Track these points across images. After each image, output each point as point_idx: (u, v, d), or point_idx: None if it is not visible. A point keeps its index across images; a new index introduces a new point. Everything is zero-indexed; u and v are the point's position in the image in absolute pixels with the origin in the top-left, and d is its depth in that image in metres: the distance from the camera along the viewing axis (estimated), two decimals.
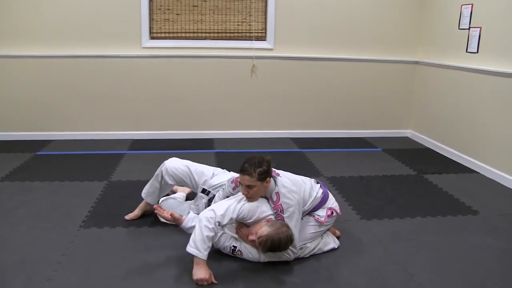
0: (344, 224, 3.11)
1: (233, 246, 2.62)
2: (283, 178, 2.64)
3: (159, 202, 3.16)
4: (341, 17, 5.30)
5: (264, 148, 4.99)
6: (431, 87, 5.28)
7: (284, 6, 5.19)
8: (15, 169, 4.12)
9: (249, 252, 2.59)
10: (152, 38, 5.15)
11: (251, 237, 2.46)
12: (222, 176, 2.98)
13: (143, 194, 3.10)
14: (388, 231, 3.08)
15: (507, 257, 2.76)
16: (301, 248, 2.65)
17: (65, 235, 2.87)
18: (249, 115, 5.47)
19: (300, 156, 4.82)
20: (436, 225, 3.18)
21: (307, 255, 2.69)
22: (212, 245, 2.54)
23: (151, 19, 5.10)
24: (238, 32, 5.27)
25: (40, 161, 4.39)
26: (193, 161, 3.09)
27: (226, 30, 5.25)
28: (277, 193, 2.56)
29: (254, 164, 2.48)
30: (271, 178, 2.60)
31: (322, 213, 2.75)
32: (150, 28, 5.12)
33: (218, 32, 5.25)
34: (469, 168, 4.50)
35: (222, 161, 4.41)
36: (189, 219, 2.60)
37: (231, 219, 2.49)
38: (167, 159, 3.06)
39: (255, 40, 5.28)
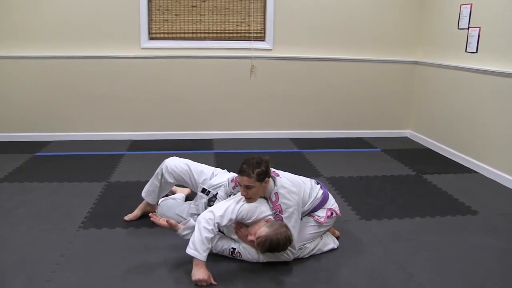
0: (343, 225, 3.10)
1: (232, 248, 2.62)
2: (283, 178, 2.64)
3: (159, 202, 3.16)
4: (341, 17, 5.30)
5: (264, 149, 4.99)
6: (431, 87, 5.28)
7: (283, 6, 5.19)
8: (14, 170, 4.11)
9: (248, 253, 2.59)
10: (151, 38, 5.15)
11: (250, 237, 2.46)
12: (222, 176, 2.98)
13: (143, 194, 3.09)
14: (388, 231, 3.07)
15: (507, 257, 2.76)
16: (300, 249, 2.65)
17: (64, 235, 2.87)
18: (248, 115, 5.47)
19: (299, 156, 4.81)
20: (435, 225, 3.18)
21: (307, 256, 2.68)
22: (211, 250, 2.54)
23: (150, 20, 5.10)
24: (237, 33, 5.27)
25: (39, 162, 4.39)
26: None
27: (225, 30, 5.25)
28: (276, 194, 2.56)
29: (253, 165, 2.48)
30: (270, 179, 2.60)
31: (321, 213, 2.74)
32: (149, 28, 5.12)
33: (217, 33, 5.25)
34: (468, 168, 4.50)
35: (222, 162, 4.41)
36: (186, 227, 2.59)
37: (230, 219, 2.49)
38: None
39: (254, 40, 5.28)
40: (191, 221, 2.57)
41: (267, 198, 2.64)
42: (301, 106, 5.52)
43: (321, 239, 2.77)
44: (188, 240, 2.50)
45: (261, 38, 5.31)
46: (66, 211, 3.24)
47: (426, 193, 3.82)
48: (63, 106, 5.14)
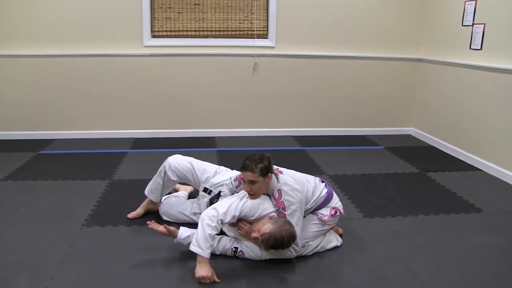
0: (346, 222, 3.10)
1: (234, 247, 2.62)
2: (286, 176, 2.64)
3: (162, 200, 3.16)
4: (343, 14, 5.28)
5: (266, 147, 4.98)
6: (434, 85, 5.26)
7: (285, 4, 5.17)
8: (17, 169, 4.13)
9: (251, 251, 2.59)
10: (153, 36, 5.15)
11: (254, 234, 2.46)
12: (224, 175, 2.98)
13: (146, 191, 3.10)
14: (391, 229, 3.07)
15: (510, 255, 2.75)
16: (303, 246, 2.65)
17: (68, 234, 2.88)
18: (250, 113, 5.47)
19: (302, 154, 4.81)
20: (439, 223, 3.17)
21: (310, 253, 2.68)
22: (214, 252, 2.56)
23: (152, 18, 5.10)
24: (240, 30, 5.26)
25: (42, 161, 4.40)
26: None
27: (227, 28, 5.24)
28: (279, 190, 2.56)
29: (255, 160, 2.50)
30: (273, 175, 2.60)
31: (325, 212, 2.74)
32: (152, 26, 5.11)
33: (219, 31, 5.24)
34: (472, 166, 4.48)
35: (224, 160, 4.41)
36: (184, 231, 2.60)
37: (234, 216, 2.49)
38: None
39: (256, 38, 5.26)
40: (182, 228, 2.59)
41: (270, 196, 2.64)
42: (304, 104, 5.51)
43: (325, 237, 2.77)
44: (189, 243, 2.52)
45: (264, 36, 5.30)
46: (69, 209, 3.25)
47: (430, 191, 3.81)
48: (66, 104, 5.15)
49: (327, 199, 2.78)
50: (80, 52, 5.00)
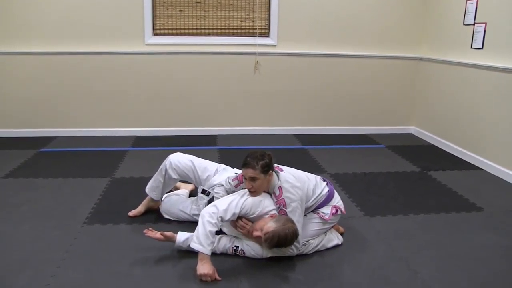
0: (347, 221, 3.10)
1: (235, 246, 2.63)
2: (286, 173, 2.65)
3: (163, 198, 3.17)
4: (345, 13, 5.27)
5: (267, 145, 4.98)
6: (435, 84, 5.25)
7: (287, 2, 5.17)
8: (18, 166, 4.13)
9: (252, 249, 2.59)
10: (155, 34, 5.14)
11: (256, 233, 2.45)
12: (225, 174, 2.98)
13: (147, 189, 3.10)
14: (391, 228, 3.07)
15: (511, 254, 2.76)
16: (304, 245, 2.65)
17: (69, 232, 2.88)
18: (252, 111, 5.47)
19: (303, 152, 4.81)
20: (440, 222, 3.17)
21: (311, 252, 2.68)
22: (215, 251, 2.56)
23: (154, 16, 5.09)
24: (241, 29, 5.26)
25: (43, 158, 4.40)
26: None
27: (229, 26, 5.23)
28: (280, 188, 2.57)
29: (257, 158, 2.51)
30: (274, 173, 2.61)
31: (326, 210, 2.75)
32: (153, 24, 5.11)
33: (221, 29, 5.24)
34: (473, 165, 4.48)
35: (225, 158, 4.41)
36: (182, 235, 2.60)
37: (234, 214, 2.50)
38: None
39: (258, 36, 5.26)
40: (179, 233, 2.60)
41: (270, 194, 2.64)
42: (305, 102, 5.50)
43: (325, 235, 2.77)
44: (189, 246, 2.53)
45: (265, 34, 5.29)
46: (70, 207, 3.26)
47: (431, 190, 3.80)
48: (67, 102, 5.15)
49: (328, 197, 2.78)
50: (81, 50, 5.00)
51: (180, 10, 5.13)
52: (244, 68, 5.30)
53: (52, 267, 2.46)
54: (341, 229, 2.95)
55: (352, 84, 5.51)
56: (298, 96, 5.46)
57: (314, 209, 2.76)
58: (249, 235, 2.56)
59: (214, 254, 2.58)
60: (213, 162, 3.10)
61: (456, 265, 2.61)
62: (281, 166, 2.73)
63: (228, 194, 2.78)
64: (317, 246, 2.70)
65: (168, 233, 2.58)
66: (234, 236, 2.67)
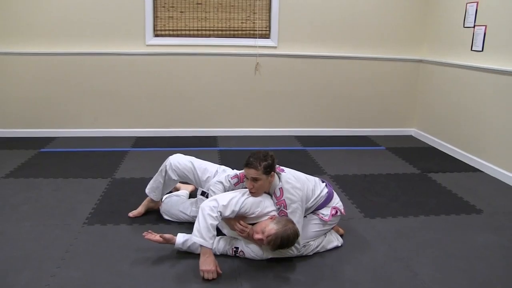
0: (347, 222, 3.10)
1: (235, 247, 2.63)
2: (287, 174, 2.65)
3: (163, 199, 3.17)
4: (345, 15, 5.28)
5: (268, 146, 4.99)
6: (435, 86, 5.26)
7: (288, 4, 5.18)
8: (19, 166, 4.14)
9: (252, 251, 2.59)
10: (156, 35, 5.15)
11: (257, 236, 2.45)
12: (224, 175, 2.97)
13: (147, 190, 3.10)
14: (392, 229, 3.07)
15: (511, 256, 2.75)
16: (304, 246, 2.65)
17: (69, 231, 2.89)
18: (252, 112, 5.47)
19: (303, 154, 4.81)
20: (440, 224, 3.17)
21: (311, 253, 2.69)
22: (215, 252, 2.58)
23: (155, 17, 5.10)
24: (242, 30, 5.27)
25: (44, 158, 4.41)
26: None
27: (230, 28, 5.24)
28: (281, 189, 2.57)
29: (259, 158, 2.51)
30: (275, 174, 2.61)
31: (326, 212, 2.75)
32: (154, 25, 5.12)
33: (222, 30, 5.24)
34: (473, 166, 4.49)
35: (226, 159, 4.42)
36: (181, 237, 2.61)
37: (233, 211, 2.50)
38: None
39: (259, 38, 5.27)
40: (179, 235, 2.61)
41: (271, 194, 2.64)
42: (305, 104, 5.51)
43: (325, 237, 2.77)
44: (188, 248, 2.56)
45: (266, 36, 5.30)
46: (71, 207, 3.26)
47: (430, 191, 3.81)
48: (68, 102, 5.16)
49: (328, 198, 2.78)
50: (82, 51, 5.01)
51: (181, 11, 5.14)
52: (244, 69, 5.31)
53: (52, 267, 2.46)
54: (341, 230, 2.95)
55: (352, 86, 5.52)
56: (299, 97, 5.47)
57: (313, 210, 2.77)
58: (249, 238, 2.56)
59: (214, 255, 2.59)
60: (213, 164, 3.09)
61: (456, 266, 2.62)
62: (282, 167, 2.73)
63: (226, 191, 2.78)
64: (317, 247, 2.71)
65: (167, 235, 2.58)
66: (234, 238, 2.67)
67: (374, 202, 3.53)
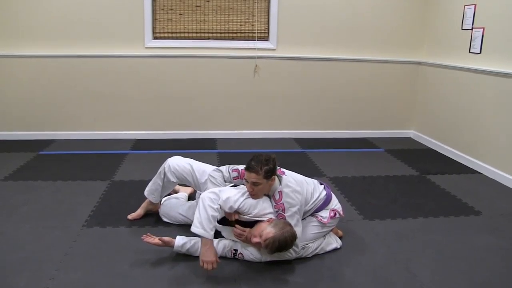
0: (346, 224, 3.11)
1: (234, 249, 2.63)
2: (288, 177, 2.65)
3: (162, 201, 3.17)
4: (344, 17, 5.30)
5: (267, 148, 4.99)
6: (434, 88, 5.27)
7: (287, 6, 5.19)
8: (18, 169, 4.13)
9: (250, 253, 2.60)
10: (155, 38, 5.16)
11: (255, 240, 2.44)
12: (226, 166, 2.97)
13: (145, 192, 3.10)
14: (391, 231, 3.08)
15: (510, 257, 2.76)
16: (303, 248, 2.65)
17: (68, 234, 2.88)
18: (251, 115, 5.48)
19: (302, 156, 4.82)
20: (438, 225, 3.18)
21: (310, 255, 2.69)
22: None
23: (154, 19, 5.11)
24: (241, 32, 5.27)
25: (43, 160, 4.41)
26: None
27: (229, 30, 5.25)
28: (280, 192, 2.57)
29: (261, 162, 2.50)
30: (276, 177, 2.61)
31: (325, 214, 2.75)
32: (153, 28, 5.13)
33: (221, 32, 5.25)
34: (471, 168, 4.49)
35: (225, 161, 4.41)
36: (180, 239, 2.61)
37: (231, 208, 2.52)
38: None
39: (257, 40, 5.28)
40: (178, 237, 2.61)
41: (270, 197, 2.64)
42: (304, 106, 5.52)
43: (324, 239, 2.77)
44: (187, 250, 2.56)
45: (265, 38, 5.31)
46: (70, 210, 3.26)
47: (429, 193, 3.81)
48: (67, 105, 5.16)
49: (326, 201, 2.78)
50: (81, 53, 5.01)
51: (180, 14, 5.15)
52: (243, 71, 5.32)
53: (51, 270, 2.46)
54: (340, 232, 2.95)
55: (351, 88, 5.53)
56: (298, 99, 5.48)
57: (312, 212, 2.77)
58: (247, 241, 2.55)
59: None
60: (211, 166, 3.09)
61: (454, 267, 2.62)
62: (283, 169, 2.73)
63: (224, 181, 2.79)
64: (316, 249, 2.71)
65: (166, 238, 2.58)
66: (233, 240, 2.67)
67: (373, 204, 3.53)
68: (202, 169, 3.01)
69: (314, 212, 2.76)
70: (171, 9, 5.12)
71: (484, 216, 3.36)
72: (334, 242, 2.80)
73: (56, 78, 5.06)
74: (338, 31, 5.33)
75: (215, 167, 3.08)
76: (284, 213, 2.54)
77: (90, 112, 5.21)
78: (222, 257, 2.63)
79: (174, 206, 3.09)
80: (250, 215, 2.55)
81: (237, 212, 2.58)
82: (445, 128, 5.04)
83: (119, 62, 5.10)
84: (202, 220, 2.39)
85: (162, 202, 3.17)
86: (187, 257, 2.60)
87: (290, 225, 2.46)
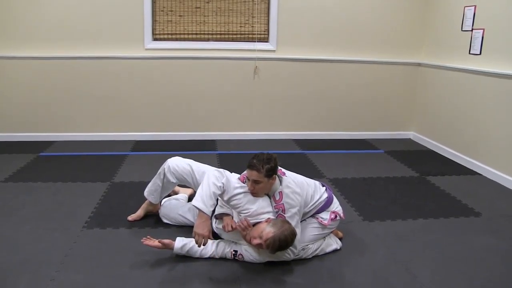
0: (346, 225, 3.11)
1: (234, 250, 2.63)
2: (288, 178, 2.66)
3: (162, 203, 3.17)
4: (344, 18, 5.30)
5: (266, 150, 4.89)
6: (434, 89, 5.28)
7: (286, 8, 5.20)
8: (18, 170, 4.13)
9: (250, 254, 2.60)
10: (154, 39, 5.17)
11: (255, 241, 2.44)
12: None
13: (145, 193, 3.10)
14: (391, 232, 3.08)
15: (510, 258, 2.76)
16: (303, 249, 2.65)
17: (68, 235, 2.88)
18: (251, 116, 5.48)
19: (302, 157, 4.82)
20: (438, 227, 3.18)
21: (310, 256, 2.69)
22: (214, 256, 2.61)
23: (154, 21, 5.12)
24: (241, 34, 5.28)
25: (43, 162, 4.41)
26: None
27: (228, 31, 5.26)
28: (281, 193, 2.58)
29: (263, 161, 2.51)
30: (277, 177, 2.61)
31: (325, 216, 2.75)
32: (153, 29, 5.13)
33: (220, 34, 5.26)
34: (471, 169, 4.50)
35: (224, 162, 4.42)
36: (180, 241, 2.62)
37: (228, 192, 2.55)
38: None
39: (257, 41, 5.28)
40: (177, 239, 2.62)
41: (270, 197, 2.64)
42: (304, 107, 5.52)
43: (324, 240, 2.78)
44: (187, 252, 2.57)
45: (265, 40, 5.32)
46: (70, 211, 3.26)
47: (429, 194, 3.82)
48: (67, 106, 5.16)
49: (327, 203, 2.78)
50: (81, 55, 5.02)
51: (180, 15, 5.16)
52: (243, 73, 5.32)
53: (52, 271, 2.46)
54: (340, 233, 2.96)
55: (350, 89, 5.53)
56: (297, 101, 5.48)
57: (313, 214, 2.77)
58: (247, 240, 2.55)
59: (213, 258, 2.60)
60: (211, 167, 3.09)
61: (454, 268, 2.62)
62: (283, 170, 2.74)
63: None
64: (316, 250, 2.71)
65: (166, 241, 2.58)
66: (233, 241, 2.67)
67: (372, 205, 3.53)
68: (202, 170, 3.01)
69: (315, 214, 2.77)
70: (171, 11, 5.13)
71: (484, 217, 3.36)
72: (334, 243, 2.81)
73: (56, 79, 5.06)
74: (338, 32, 5.34)
75: (215, 168, 3.08)
76: (284, 213, 2.54)
77: (90, 114, 5.22)
78: (222, 259, 2.63)
79: (174, 207, 3.09)
80: (248, 212, 2.54)
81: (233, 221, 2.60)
82: (445, 129, 5.04)
83: (119, 63, 5.11)
84: (204, 195, 2.46)
85: (162, 203, 3.17)
86: (187, 258, 2.60)
87: (288, 222, 2.47)
